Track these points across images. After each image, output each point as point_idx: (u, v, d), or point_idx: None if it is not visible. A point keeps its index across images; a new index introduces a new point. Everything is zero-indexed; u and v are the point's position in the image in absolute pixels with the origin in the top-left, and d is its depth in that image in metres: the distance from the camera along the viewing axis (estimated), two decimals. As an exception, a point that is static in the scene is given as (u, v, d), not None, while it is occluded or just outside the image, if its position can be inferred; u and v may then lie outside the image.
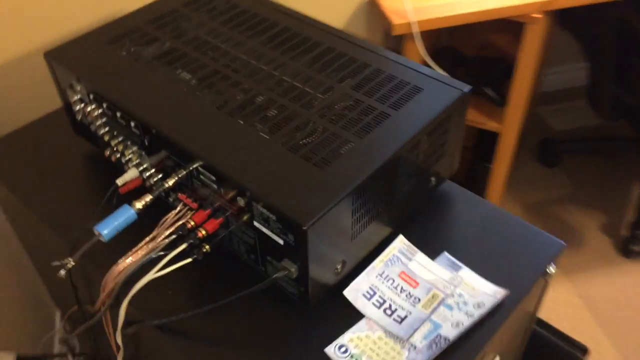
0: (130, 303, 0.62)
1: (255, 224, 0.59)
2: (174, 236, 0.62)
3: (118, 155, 0.72)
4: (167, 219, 0.66)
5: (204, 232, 0.61)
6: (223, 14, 0.80)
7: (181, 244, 0.61)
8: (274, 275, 0.58)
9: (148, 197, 0.62)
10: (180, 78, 0.70)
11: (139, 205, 0.61)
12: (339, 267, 0.61)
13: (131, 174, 0.69)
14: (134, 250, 0.65)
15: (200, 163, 0.60)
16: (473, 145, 1.59)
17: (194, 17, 0.80)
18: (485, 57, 1.51)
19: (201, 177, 0.62)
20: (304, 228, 0.52)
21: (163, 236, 0.64)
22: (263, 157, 0.59)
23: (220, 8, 0.81)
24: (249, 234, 0.61)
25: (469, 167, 1.59)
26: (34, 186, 0.76)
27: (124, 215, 0.60)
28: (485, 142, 1.52)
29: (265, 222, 0.57)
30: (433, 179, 0.70)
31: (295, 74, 0.70)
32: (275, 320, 0.62)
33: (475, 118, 1.37)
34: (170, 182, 0.63)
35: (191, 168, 0.62)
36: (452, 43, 1.56)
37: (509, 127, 1.35)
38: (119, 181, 0.69)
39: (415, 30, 1.07)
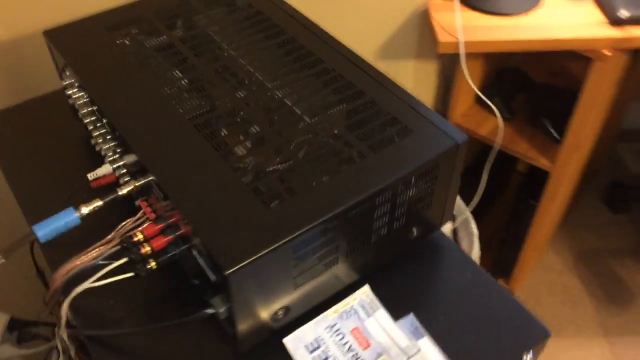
0: (71, 305, 0.60)
1: (193, 252, 0.55)
2: (117, 247, 0.59)
3: (99, 148, 0.70)
4: (125, 224, 0.63)
5: (148, 248, 0.58)
6: (237, 11, 0.76)
7: (123, 256, 0.58)
8: (201, 312, 0.53)
9: (98, 203, 0.60)
10: (170, 77, 0.67)
11: (85, 210, 0.59)
12: (279, 313, 0.56)
13: (104, 169, 0.67)
14: (86, 251, 0.63)
15: (153, 178, 0.57)
16: (522, 176, 1.47)
17: (208, 12, 0.76)
18: (554, 85, 1.38)
19: (154, 190, 0.58)
20: (226, 273, 0.48)
21: (115, 242, 0.62)
22: (216, 184, 0.55)
23: (238, 4, 0.76)
24: (193, 259, 0.57)
25: (513, 201, 1.47)
26: (22, 163, 0.76)
27: (65, 220, 0.57)
28: (536, 177, 1.40)
29: (201, 254, 0.53)
30: (415, 229, 0.63)
31: (288, 91, 0.64)
32: (209, 355, 0.58)
33: (526, 151, 1.25)
34: (124, 191, 0.60)
35: (146, 180, 0.59)
36: (522, 65, 1.44)
37: (562, 168, 1.22)
38: (90, 176, 0.67)
39: (462, 51, 0.98)
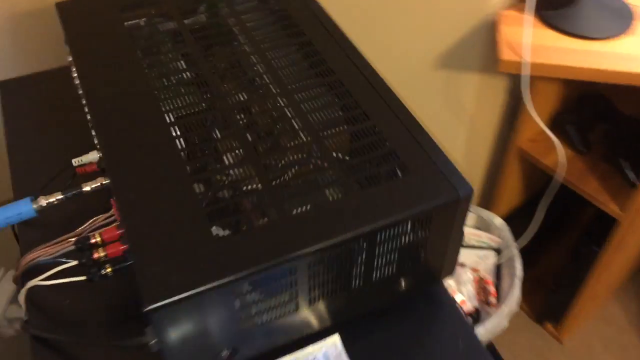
0: (29, 297, 0.57)
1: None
2: (72, 247, 0.55)
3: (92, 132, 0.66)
4: (96, 220, 0.59)
5: (103, 253, 0.53)
6: (265, 4, 0.69)
7: (76, 258, 0.54)
8: (134, 340, 0.48)
9: (58, 196, 0.55)
10: (174, 68, 0.61)
11: (43, 202, 0.55)
12: (224, 354, 0.49)
13: (90, 156, 0.63)
14: (53, 242, 0.59)
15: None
16: (589, 218, 1.31)
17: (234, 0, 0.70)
18: (642, 120, 1.21)
19: (117, 193, 0.53)
20: (145, 309, 0.42)
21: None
22: (173, 203, 0.48)
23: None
24: (143, 275, 0.52)
25: (574, 243, 1.32)
26: (27, 135, 0.74)
27: (18, 211, 0.54)
28: (603, 221, 1.24)
29: (140, 276, 0.48)
30: (403, 282, 0.54)
31: (292, 100, 0.57)
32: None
33: (595, 192, 1.10)
34: (87, 188, 0.55)
35: (105, 182, 0.54)
36: (608, 92, 1.27)
37: (633, 217, 1.07)
38: (75, 161, 0.63)
39: (526, 72, 0.86)
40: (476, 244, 1.17)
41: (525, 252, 1.18)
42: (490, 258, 1.15)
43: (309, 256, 0.45)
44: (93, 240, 0.54)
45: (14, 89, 0.80)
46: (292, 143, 0.54)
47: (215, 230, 0.47)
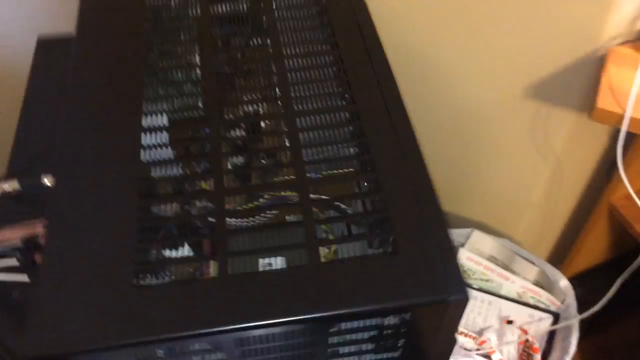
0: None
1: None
2: (19, 244, 0.49)
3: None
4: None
5: (48, 259, 0.47)
6: (314, 6, 0.59)
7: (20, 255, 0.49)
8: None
9: (15, 186, 0.50)
10: (185, 62, 0.53)
11: (-5, 189, 0.50)
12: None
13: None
14: (16, 225, 0.54)
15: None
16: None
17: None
18: None
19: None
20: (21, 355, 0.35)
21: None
22: (110, 228, 0.40)
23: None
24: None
25: (627, 339, 1.12)
26: (43, 102, 0.70)
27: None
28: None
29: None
30: (374, 374, 0.44)
31: (291, 128, 0.47)
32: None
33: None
34: (49, 183, 0.49)
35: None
36: None
37: None
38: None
39: (624, 128, 0.70)
40: (532, 302, 1.02)
41: (592, 316, 1.02)
42: (545, 322, 0.99)
43: (236, 332, 0.36)
44: (41, 240, 0.48)
45: (51, 48, 0.77)
46: (273, 178, 0.44)
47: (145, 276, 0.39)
